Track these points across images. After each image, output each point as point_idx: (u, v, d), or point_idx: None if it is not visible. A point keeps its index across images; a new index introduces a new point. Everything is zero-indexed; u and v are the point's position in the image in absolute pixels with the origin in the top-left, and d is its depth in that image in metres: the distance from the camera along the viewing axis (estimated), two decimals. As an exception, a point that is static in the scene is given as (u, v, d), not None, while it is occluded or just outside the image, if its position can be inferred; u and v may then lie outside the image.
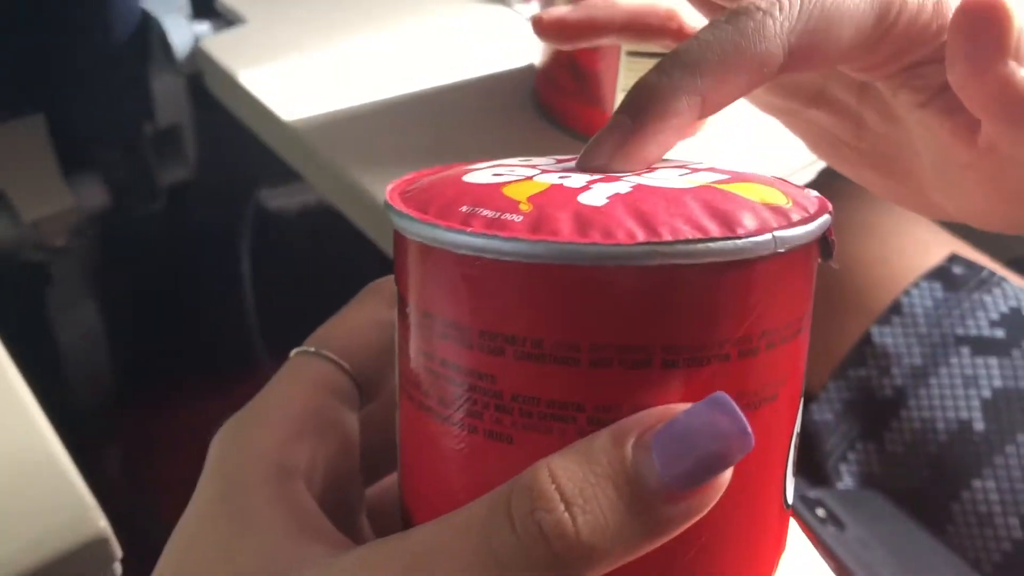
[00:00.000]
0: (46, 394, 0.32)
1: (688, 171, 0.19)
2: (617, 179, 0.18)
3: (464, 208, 0.17)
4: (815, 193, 0.19)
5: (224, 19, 0.50)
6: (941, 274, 0.53)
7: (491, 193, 0.17)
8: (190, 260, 0.67)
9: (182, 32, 0.49)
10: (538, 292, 0.16)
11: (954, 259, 0.54)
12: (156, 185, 0.58)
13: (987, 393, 0.48)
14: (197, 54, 0.48)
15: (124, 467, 0.76)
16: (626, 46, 0.39)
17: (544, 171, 0.19)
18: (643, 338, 0.16)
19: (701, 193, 0.17)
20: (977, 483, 0.46)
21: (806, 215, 0.17)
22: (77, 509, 0.26)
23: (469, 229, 0.16)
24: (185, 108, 0.55)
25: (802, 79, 0.28)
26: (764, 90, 0.28)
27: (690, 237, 0.16)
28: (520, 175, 0.18)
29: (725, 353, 0.16)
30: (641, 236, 0.16)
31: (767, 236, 0.16)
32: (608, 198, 0.17)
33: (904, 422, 0.48)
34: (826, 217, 0.17)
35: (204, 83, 0.49)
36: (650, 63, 0.39)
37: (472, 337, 0.17)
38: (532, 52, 0.44)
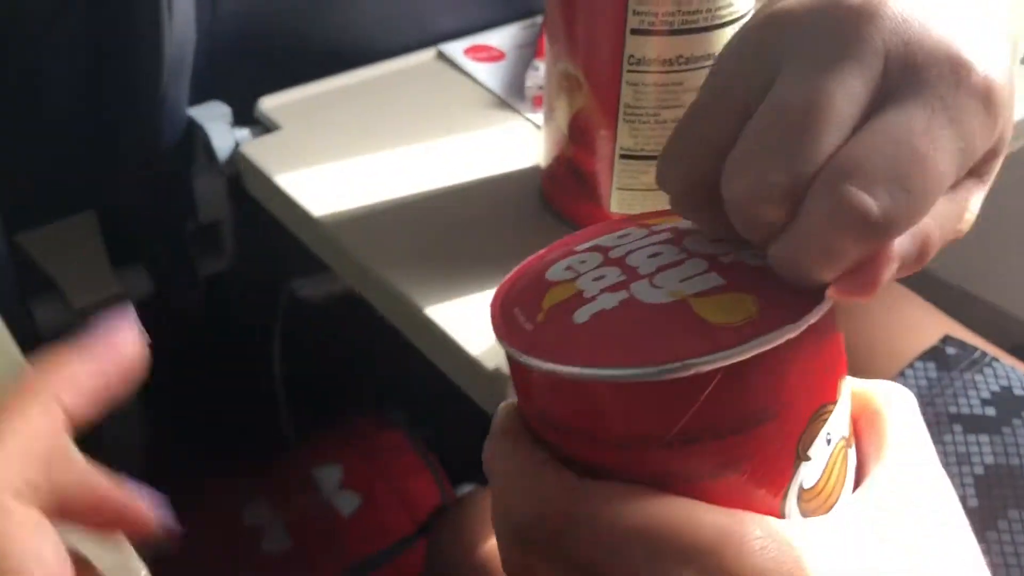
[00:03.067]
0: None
1: (713, 265, 0.23)
2: (622, 287, 0.23)
3: (515, 310, 0.24)
4: (822, 302, 0.22)
5: (262, 126, 0.55)
6: (935, 355, 0.55)
7: (535, 295, 0.24)
8: (225, 345, 0.71)
9: (224, 138, 0.53)
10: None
11: (947, 340, 0.56)
12: (196, 275, 0.61)
13: (979, 470, 0.50)
14: (237, 157, 0.53)
15: (154, 547, 0.78)
16: (620, 149, 0.43)
17: (594, 269, 0.24)
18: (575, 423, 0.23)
19: (667, 313, 0.22)
20: (971, 557, 0.47)
21: (746, 335, 0.21)
22: (120, 558, 0.29)
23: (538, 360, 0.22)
24: (225, 206, 0.59)
25: None
26: None
27: (597, 369, 0.21)
28: (569, 276, 0.24)
29: (668, 442, 0.22)
30: (579, 361, 0.22)
31: (668, 366, 0.21)
32: (592, 316, 0.22)
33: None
34: (771, 335, 0.21)
35: (243, 183, 0.54)
36: (642, 164, 0.43)
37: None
38: (538, 155, 0.49)
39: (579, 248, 0.26)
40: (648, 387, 0.21)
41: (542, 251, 0.27)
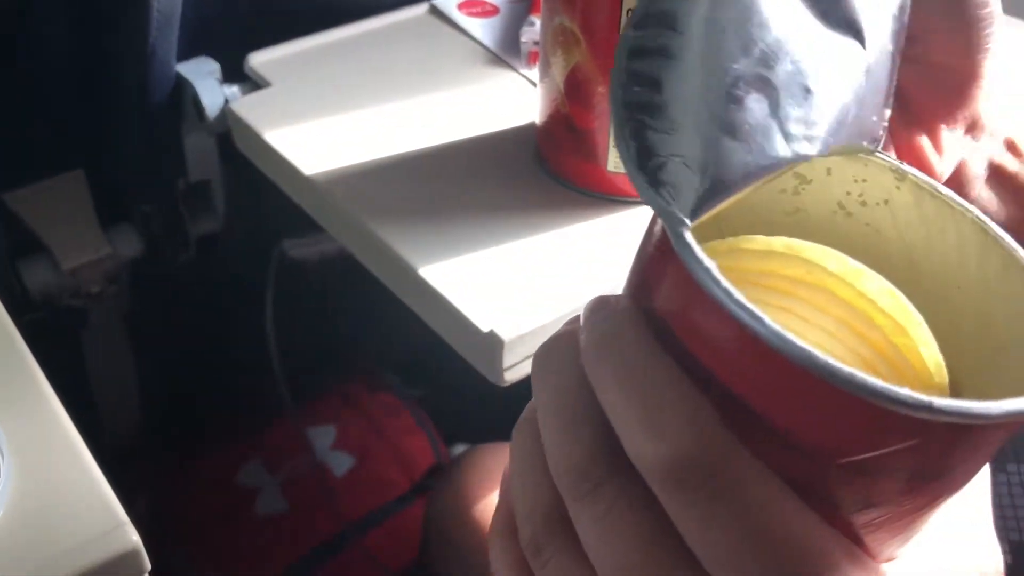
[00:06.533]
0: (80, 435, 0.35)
1: None
2: None
3: None
4: None
5: (252, 83, 0.54)
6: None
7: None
8: (217, 307, 0.70)
9: (213, 95, 0.52)
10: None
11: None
12: (187, 236, 0.61)
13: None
14: (227, 115, 0.52)
15: (151, 511, 0.78)
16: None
17: None
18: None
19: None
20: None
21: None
22: (111, 523, 0.28)
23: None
24: (215, 164, 0.58)
25: None
26: None
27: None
28: None
29: (840, 463, 0.18)
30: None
31: (910, 396, 0.17)
32: None
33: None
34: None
35: (233, 141, 0.53)
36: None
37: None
38: (533, 112, 0.48)
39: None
40: (866, 405, 0.17)
41: None
